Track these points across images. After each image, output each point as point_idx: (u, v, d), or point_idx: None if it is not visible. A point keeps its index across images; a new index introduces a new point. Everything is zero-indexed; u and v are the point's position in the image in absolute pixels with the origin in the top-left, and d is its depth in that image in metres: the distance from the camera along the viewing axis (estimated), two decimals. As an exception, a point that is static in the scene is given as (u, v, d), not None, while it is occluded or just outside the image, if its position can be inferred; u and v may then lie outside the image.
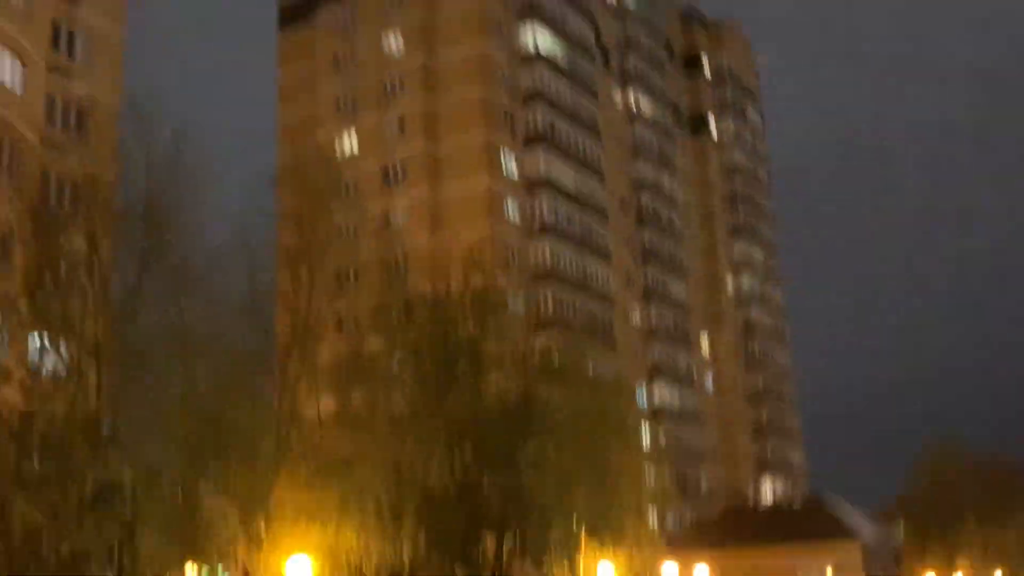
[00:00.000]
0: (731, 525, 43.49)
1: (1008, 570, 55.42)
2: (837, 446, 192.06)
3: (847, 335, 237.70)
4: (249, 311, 24.33)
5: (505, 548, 27.41)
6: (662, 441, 75.99)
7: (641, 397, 75.08)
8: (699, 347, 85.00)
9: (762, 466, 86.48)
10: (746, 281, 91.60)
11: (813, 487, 78.92)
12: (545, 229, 65.18)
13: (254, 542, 20.32)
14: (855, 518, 41.64)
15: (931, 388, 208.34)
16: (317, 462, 21.94)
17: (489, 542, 27.36)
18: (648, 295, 78.36)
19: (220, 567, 21.01)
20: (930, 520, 49.74)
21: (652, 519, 73.12)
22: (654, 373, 77.47)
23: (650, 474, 74.79)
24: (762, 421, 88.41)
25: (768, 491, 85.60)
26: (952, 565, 50.89)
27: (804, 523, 40.59)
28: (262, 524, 20.51)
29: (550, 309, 62.91)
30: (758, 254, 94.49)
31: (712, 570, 35.74)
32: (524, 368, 30.37)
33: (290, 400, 23.99)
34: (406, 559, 23.48)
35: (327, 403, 27.76)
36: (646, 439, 74.78)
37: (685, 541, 44.48)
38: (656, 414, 76.35)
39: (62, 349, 21.33)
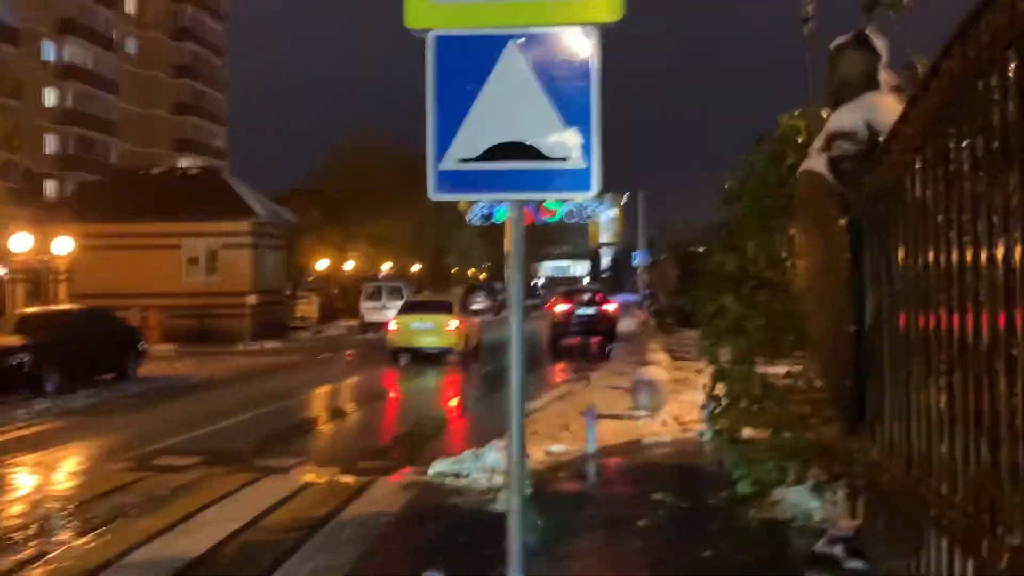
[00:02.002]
0: (116, 195, 39.18)
1: (394, 258, 59.09)
2: (261, 134, 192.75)
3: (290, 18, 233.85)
4: None
5: None
6: (68, 103, 68.66)
7: (47, 51, 66.78)
8: (123, 6, 76.08)
9: (182, 145, 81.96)
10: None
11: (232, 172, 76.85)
12: None
13: None
14: (254, 198, 39.76)
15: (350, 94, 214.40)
16: None
17: None
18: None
19: None
20: (331, 209, 50.16)
21: (48, 189, 66.83)
22: (66, 27, 68.02)
23: (49, 139, 67.63)
24: (187, 97, 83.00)
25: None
26: (345, 253, 52.44)
27: (197, 198, 37.77)
28: None
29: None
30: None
31: (79, 243, 31.76)
32: None
33: None
34: None
35: None
36: (49, 99, 67.35)
37: (61, 210, 39.57)
38: (63, 73, 68.06)
39: None
